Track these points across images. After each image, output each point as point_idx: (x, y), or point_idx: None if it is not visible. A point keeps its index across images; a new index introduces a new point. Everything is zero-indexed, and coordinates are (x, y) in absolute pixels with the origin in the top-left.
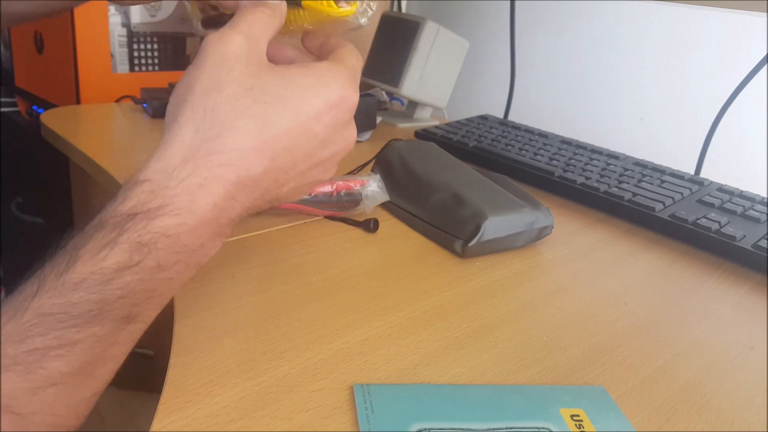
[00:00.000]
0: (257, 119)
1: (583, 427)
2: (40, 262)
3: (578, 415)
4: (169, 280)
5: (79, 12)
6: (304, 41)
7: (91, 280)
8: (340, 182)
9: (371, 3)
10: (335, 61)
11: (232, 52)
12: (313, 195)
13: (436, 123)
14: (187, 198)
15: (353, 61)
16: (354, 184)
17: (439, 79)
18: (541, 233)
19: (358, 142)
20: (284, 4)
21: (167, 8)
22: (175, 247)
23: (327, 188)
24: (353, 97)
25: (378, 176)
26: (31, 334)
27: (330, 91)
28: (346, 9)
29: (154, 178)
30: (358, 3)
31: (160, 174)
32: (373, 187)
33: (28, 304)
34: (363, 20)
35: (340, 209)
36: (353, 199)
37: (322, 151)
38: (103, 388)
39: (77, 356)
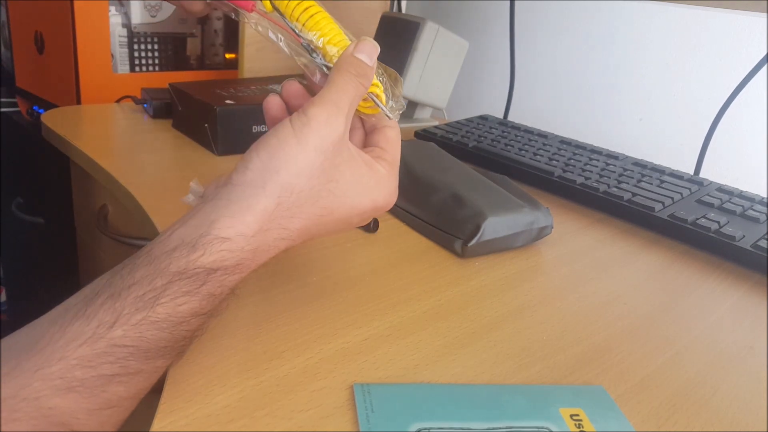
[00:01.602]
0: (323, 209)
1: (583, 427)
2: (103, 282)
3: (578, 415)
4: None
5: (80, 12)
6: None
7: (167, 322)
8: None
9: (399, 99)
10: (391, 164)
11: (332, 141)
12: None
13: (436, 123)
14: (253, 260)
15: (399, 155)
16: None
17: (438, 80)
18: (541, 233)
19: None
20: (373, 69)
21: (168, 9)
22: (229, 295)
23: None
24: (392, 203)
25: None
26: (102, 361)
27: (380, 197)
28: (371, 108)
29: (234, 239)
30: (384, 101)
31: (240, 237)
32: None
33: (103, 333)
34: (393, 115)
35: None
36: None
37: (351, 222)
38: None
39: (137, 384)
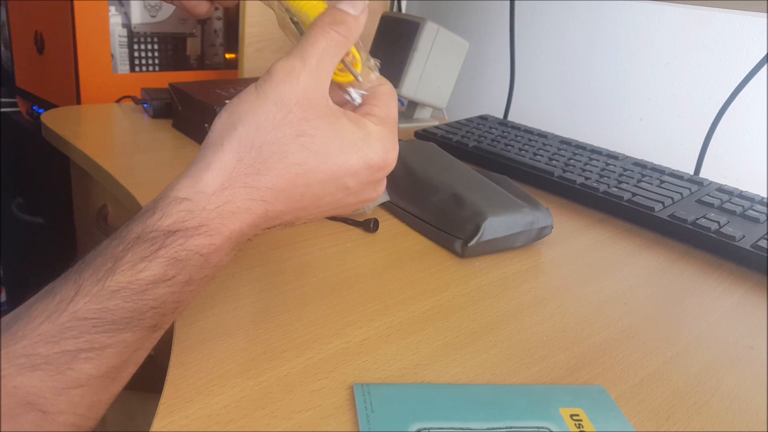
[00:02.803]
0: (298, 166)
1: (583, 427)
2: (77, 264)
3: (578, 415)
4: (193, 291)
5: (80, 12)
6: None
7: (128, 290)
8: None
9: (372, 66)
10: (383, 119)
11: (295, 94)
12: None
13: (436, 123)
14: (221, 222)
15: (395, 112)
16: None
17: (438, 80)
18: (541, 233)
19: None
20: (361, 19)
21: (168, 9)
22: (204, 264)
23: None
24: (392, 161)
25: None
26: (65, 336)
27: (373, 153)
28: (342, 76)
29: (193, 198)
30: (361, 68)
31: (199, 195)
32: None
33: (65, 307)
34: (364, 79)
35: None
36: None
37: (348, 199)
38: (120, 390)
39: (106, 360)
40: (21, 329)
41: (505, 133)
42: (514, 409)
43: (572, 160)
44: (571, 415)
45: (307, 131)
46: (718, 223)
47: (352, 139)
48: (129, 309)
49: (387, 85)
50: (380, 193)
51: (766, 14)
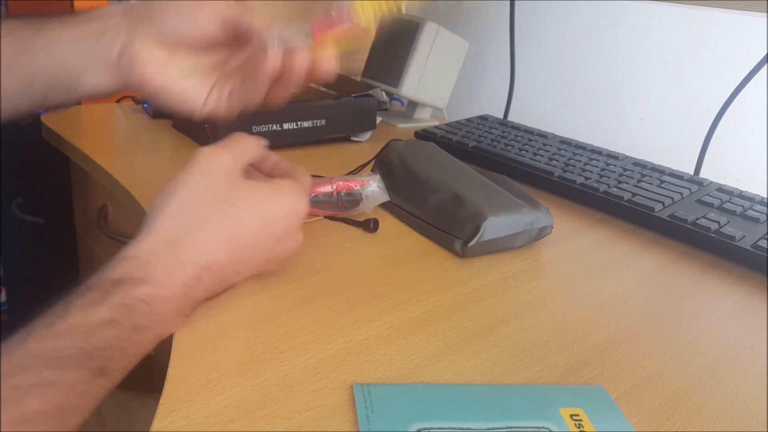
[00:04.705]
0: (230, 220)
1: (583, 427)
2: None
3: (578, 415)
4: (137, 344)
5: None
6: (260, 166)
7: (78, 331)
8: (340, 182)
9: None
10: (292, 178)
11: (219, 166)
12: (313, 195)
13: (436, 123)
14: (166, 274)
15: (305, 179)
16: (354, 184)
17: (438, 80)
18: (541, 233)
19: (358, 142)
20: (263, 141)
21: None
22: (150, 314)
23: (327, 188)
24: (303, 207)
25: (378, 176)
26: (16, 372)
27: (287, 200)
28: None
29: (140, 255)
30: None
31: (146, 252)
32: (373, 187)
33: (16, 347)
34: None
35: (341, 209)
36: (353, 199)
37: (276, 248)
38: None
39: (52, 397)
40: None
41: (505, 133)
42: (514, 409)
43: (572, 160)
44: (571, 415)
45: (233, 193)
46: (718, 223)
47: (270, 192)
48: (78, 348)
49: (300, 168)
50: (299, 241)
51: (766, 14)
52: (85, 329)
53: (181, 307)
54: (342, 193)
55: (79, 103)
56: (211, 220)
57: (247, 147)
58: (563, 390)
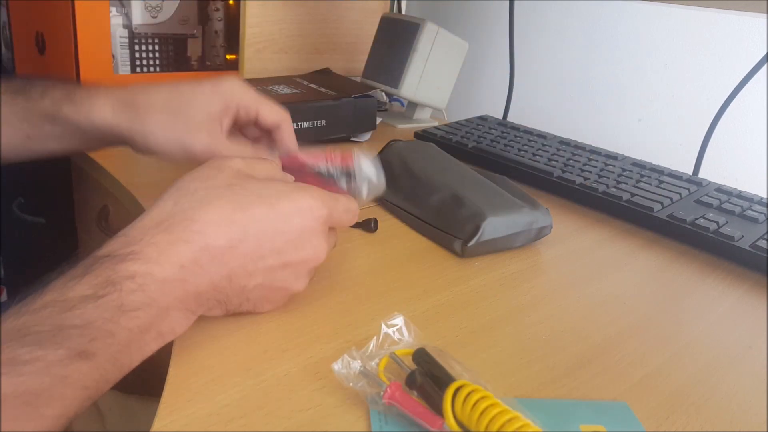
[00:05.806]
0: (232, 203)
1: None
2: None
3: None
4: (130, 330)
5: (81, 13)
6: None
7: (54, 306)
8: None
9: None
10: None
11: (229, 164)
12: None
13: (436, 124)
14: (156, 251)
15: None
16: (348, 160)
17: (438, 80)
18: (540, 233)
19: (358, 142)
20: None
21: (168, 9)
22: (140, 294)
23: (323, 162)
24: (322, 209)
25: (371, 155)
26: None
27: (301, 199)
28: None
29: (130, 233)
30: None
31: (136, 230)
32: (366, 165)
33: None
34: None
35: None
36: (346, 173)
37: (291, 253)
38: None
39: (21, 378)
40: None
41: (505, 134)
42: (533, 425)
43: (571, 161)
44: None
45: (238, 183)
46: (717, 223)
47: (282, 188)
48: (51, 324)
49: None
50: (321, 253)
51: (766, 14)
52: (62, 305)
53: (181, 296)
54: (337, 167)
55: None
56: (211, 200)
57: (265, 164)
58: (585, 405)
